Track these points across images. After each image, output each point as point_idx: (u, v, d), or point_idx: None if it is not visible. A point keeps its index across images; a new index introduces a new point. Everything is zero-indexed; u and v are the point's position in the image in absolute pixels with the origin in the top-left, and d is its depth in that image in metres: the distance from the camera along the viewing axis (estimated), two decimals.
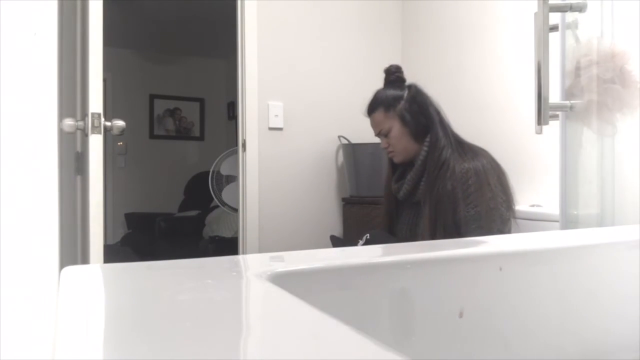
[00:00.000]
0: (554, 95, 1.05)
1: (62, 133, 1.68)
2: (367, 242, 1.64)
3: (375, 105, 1.61)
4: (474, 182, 1.42)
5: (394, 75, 1.63)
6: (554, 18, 1.05)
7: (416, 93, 1.58)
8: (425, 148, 1.53)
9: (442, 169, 1.47)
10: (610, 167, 1.06)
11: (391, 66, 1.65)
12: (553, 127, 1.14)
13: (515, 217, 1.50)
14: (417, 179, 1.54)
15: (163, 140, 5.40)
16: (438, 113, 1.57)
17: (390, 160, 1.66)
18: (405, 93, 1.58)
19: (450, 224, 1.44)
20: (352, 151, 2.35)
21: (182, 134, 5.50)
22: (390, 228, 1.69)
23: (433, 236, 1.45)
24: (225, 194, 3.34)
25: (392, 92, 1.60)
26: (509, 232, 1.45)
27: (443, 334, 0.47)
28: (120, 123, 1.62)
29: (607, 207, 1.06)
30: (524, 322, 0.51)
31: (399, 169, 1.65)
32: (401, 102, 1.57)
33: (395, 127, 1.57)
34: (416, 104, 1.56)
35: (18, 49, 0.71)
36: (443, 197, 1.44)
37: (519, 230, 1.65)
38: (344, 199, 2.47)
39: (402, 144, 1.57)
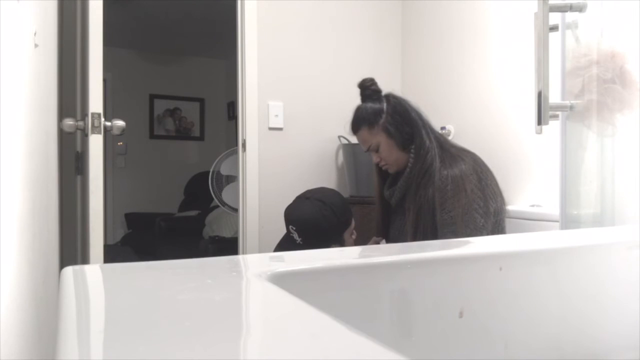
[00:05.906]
0: (554, 95, 1.05)
1: (62, 133, 1.68)
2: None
3: (359, 123, 1.60)
4: (451, 188, 1.43)
5: (369, 90, 1.60)
6: (554, 18, 1.05)
7: (395, 103, 1.57)
8: (413, 154, 1.53)
9: (425, 176, 1.48)
10: (610, 167, 1.06)
11: (364, 80, 1.62)
12: (553, 127, 1.14)
13: (500, 219, 1.48)
14: (408, 186, 1.54)
15: (163, 140, 5.40)
16: (420, 117, 1.56)
17: (377, 168, 1.65)
18: (385, 105, 1.57)
19: (430, 230, 1.45)
20: (352, 151, 2.36)
21: (182, 134, 5.50)
22: (385, 234, 1.69)
23: (414, 241, 1.45)
24: (225, 194, 3.33)
25: (371, 107, 1.58)
26: None
27: (443, 334, 0.47)
28: (120, 123, 1.62)
29: (607, 207, 1.06)
30: (524, 322, 0.51)
31: (390, 176, 1.65)
32: (383, 116, 1.56)
33: (383, 142, 1.56)
34: (398, 114, 1.55)
35: (17, 49, 0.71)
36: (424, 203, 1.46)
37: (519, 230, 1.65)
38: None
39: (393, 156, 1.57)
